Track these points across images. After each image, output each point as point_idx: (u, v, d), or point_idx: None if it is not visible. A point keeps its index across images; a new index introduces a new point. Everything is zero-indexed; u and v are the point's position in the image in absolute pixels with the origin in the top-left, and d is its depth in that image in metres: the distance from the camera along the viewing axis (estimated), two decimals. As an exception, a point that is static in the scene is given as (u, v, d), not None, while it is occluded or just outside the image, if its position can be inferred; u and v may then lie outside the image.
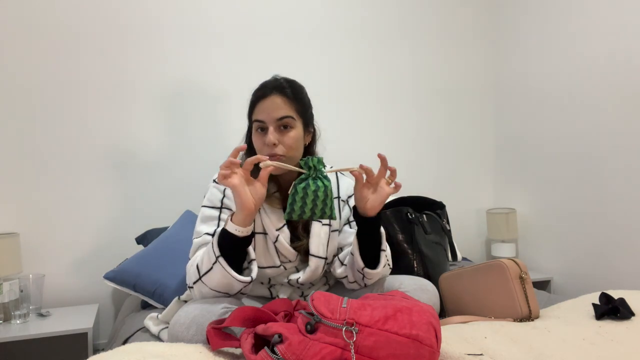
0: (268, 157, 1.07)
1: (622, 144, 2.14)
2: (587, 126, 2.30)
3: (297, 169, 1.09)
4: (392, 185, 1.16)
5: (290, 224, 1.28)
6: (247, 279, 1.10)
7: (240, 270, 1.12)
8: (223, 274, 1.07)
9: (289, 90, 1.22)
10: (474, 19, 2.85)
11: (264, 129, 1.21)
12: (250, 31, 2.39)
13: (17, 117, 2.05)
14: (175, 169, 2.27)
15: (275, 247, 1.25)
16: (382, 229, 1.22)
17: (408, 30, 2.70)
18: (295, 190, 1.06)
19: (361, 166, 1.10)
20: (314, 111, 1.33)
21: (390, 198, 1.87)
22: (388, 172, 1.15)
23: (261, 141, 1.21)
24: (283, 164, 1.08)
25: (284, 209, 1.29)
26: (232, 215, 1.09)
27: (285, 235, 1.26)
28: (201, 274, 1.10)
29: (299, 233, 1.28)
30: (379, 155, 1.12)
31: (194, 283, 1.13)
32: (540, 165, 2.58)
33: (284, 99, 1.20)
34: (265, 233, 1.26)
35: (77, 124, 2.13)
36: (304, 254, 1.29)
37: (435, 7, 2.76)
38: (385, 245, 1.23)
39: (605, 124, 2.21)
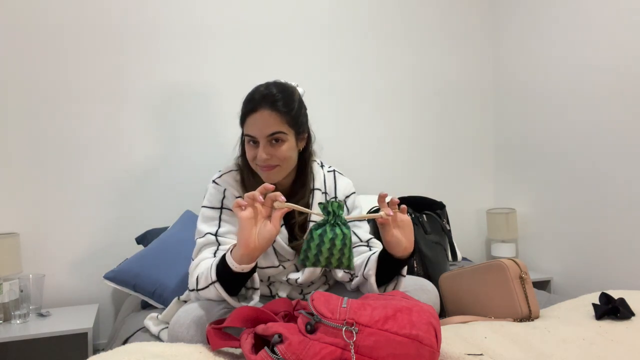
0: (285, 199, 1.00)
1: (622, 144, 2.14)
2: (587, 126, 2.30)
3: (314, 212, 1.04)
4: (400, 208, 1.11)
5: (287, 224, 1.28)
6: (242, 305, 1.08)
7: (238, 291, 1.09)
8: (218, 295, 1.06)
9: (280, 103, 1.17)
10: (474, 19, 2.85)
11: (255, 142, 1.19)
12: (246, 32, 2.39)
13: (16, 117, 2.05)
14: (175, 169, 2.27)
15: (274, 248, 1.25)
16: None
17: (408, 30, 2.70)
18: (311, 237, 0.99)
19: (387, 213, 1.05)
20: (312, 113, 1.31)
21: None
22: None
23: (253, 154, 1.20)
24: (299, 206, 1.02)
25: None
26: (234, 246, 1.04)
27: (282, 236, 1.26)
28: (198, 288, 1.10)
29: (296, 233, 1.28)
30: (382, 196, 1.08)
31: (191, 291, 1.13)
32: (540, 165, 2.58)
33: (273, 114, 1.16)
34: None
35: (77, 123, 2.13)
36: None
37: (436, 7, 2.75)
38: (405, 270, 1.19)
39: (605, 124, 2.21)
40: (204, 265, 1.12)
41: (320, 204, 1.02)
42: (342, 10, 2.57)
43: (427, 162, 2.74)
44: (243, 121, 1.21)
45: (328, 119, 2.52)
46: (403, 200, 1.82)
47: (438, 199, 1.91)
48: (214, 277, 1.04)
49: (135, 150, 2.21)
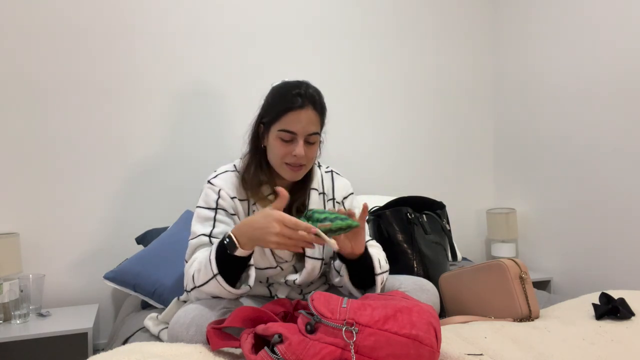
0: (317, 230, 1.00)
1: (622, 143, 2.14)
2: (587, 126, 2.30)
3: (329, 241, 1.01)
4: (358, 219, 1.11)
5: None
6: (246, 289, 1.10)
7: (236, 280, 1.11)
8: (220, 289, 1.07)
9: (321, 107, 1.23)
10: (473, 18, 2.85)
11: (288, 140, 1.19)
12: (249, 33, 2.39)
13: (17, 116, 2.05)
14: (175, 169, 2.27)
15: (271, 249, 1.25)
16: (372, 254, 1.19)
17: (407, 29, 2.70)
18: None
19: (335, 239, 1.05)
20: None
21: (385, 201, 1.87)
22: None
23: (286, 150, 1.19)
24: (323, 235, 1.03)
25: None
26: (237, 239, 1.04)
27: None
28: (196, 285, 1.10)
29: None
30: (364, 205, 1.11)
31: (191, 290, 1.13)
32: (540, 165, 2.58)
33: (317, 115, 1.21)
34: None
35: (78, 123, 2.13)
36: (300, 255, 1.29)
37: (435, 6, 2.76)
38: (380, 267, 1.20)
39: (605, 124, 2.21)
40: (198, 261, 1.12)
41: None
42: (342, 11, 2.56)
43: (427, 162, 2.74)
44: (281, 114, 1.18)
45: (327, 119, 2.51)
46: (403, 200, 1.82)
47: (438, 199, 1.91)
48: (215, 270, 1.05)
49: (135, 151, 2.21)
